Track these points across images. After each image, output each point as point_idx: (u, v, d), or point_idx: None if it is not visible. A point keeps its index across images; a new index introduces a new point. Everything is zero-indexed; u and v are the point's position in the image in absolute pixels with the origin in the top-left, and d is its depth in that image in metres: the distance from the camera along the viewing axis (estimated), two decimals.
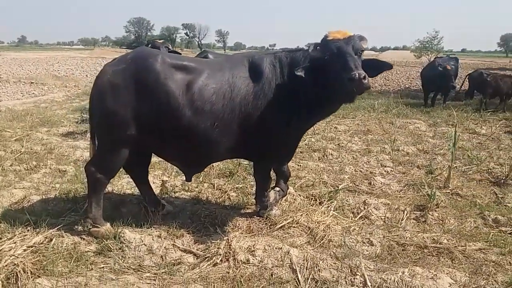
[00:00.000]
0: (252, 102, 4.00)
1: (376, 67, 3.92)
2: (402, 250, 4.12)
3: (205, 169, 4.98)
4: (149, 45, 8.47)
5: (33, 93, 16.02)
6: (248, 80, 4.04)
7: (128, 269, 3.67)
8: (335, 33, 3.77)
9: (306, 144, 7.88)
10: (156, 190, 5.11)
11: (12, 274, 3.35)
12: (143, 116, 3.84)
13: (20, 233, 4.09)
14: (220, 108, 3.93)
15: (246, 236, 4.16)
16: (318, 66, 3.75)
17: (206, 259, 3.80)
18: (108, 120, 3.91)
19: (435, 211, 4.98)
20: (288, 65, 4.07)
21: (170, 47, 8.57)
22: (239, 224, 4.51)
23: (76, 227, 4.36)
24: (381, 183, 5.95)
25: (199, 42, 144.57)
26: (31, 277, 3.36)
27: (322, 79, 3.76)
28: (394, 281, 3.46)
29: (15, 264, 3.44)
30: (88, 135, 8.55)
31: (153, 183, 5.40)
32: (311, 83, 3.84)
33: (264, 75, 4.04)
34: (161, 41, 9.35)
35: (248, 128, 4.05)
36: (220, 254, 3.81)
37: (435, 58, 14.98)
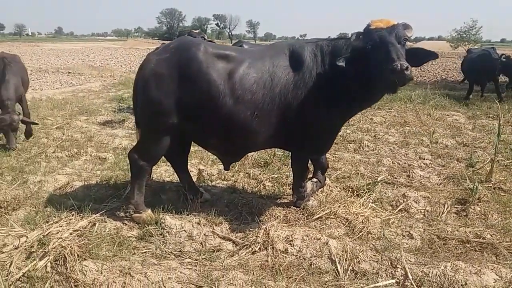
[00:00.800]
0: (292, 91, 3.97)
1: (421, 56, 3.81)
2: (444, 244, 4.02)
3: (241, 159, 5.01)
4: (186, 35, 8.53)
5: (71, 83, 16.50)
6: (289, 69, 4.02)
7: (169, 254, 3.76)
8: (378, 22, 3.68)
9: (341, 135, 7.78)
10: (193, 179, 5.17)
11: (60, 256, 3.48)
12: (186, 104, 3.88)
13: (65, 217, 4.26)
14: (260, 97, 3.93)
15: (283, 226, 4.17)
16: (360, 56, 3.68)
17: (245, 247, 3.84)
18: (151, 108, 3.98)
19: (477, 205, 4.82)
20: (329, 54, 4.02)
21: (206, 37, 8.62)
22: (276, 214, 4.52)
23: (118, 212, 4.49)
24: (420, 176, 5.82)
25: (230, 33, 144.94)
26: (78, 259, 3.48)
27: (364, 69, 3.69)
28: (436, 275, 3.39)
29: (62, 247, 3.57)
30: (126, 123, 8.84)
31: (190, 171, 5.46)
32: (353, 73, 3.78)
33: (305, 64, 4.00)
34: (197, 31, 9.43)
35: (288, 118, 4.03)
36: (258, 243, 3.84)
37: (468, 50, 14.20)
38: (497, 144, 5.73)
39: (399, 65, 3.28)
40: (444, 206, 4.80)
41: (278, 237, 3.87)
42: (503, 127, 7.03)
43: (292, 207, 4.69)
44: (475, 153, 6.81)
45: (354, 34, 3.85)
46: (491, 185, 5.46)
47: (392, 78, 3.39)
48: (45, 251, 3.56)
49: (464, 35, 47.47)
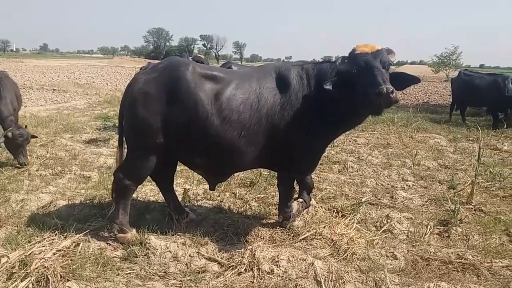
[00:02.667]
0: (279, 112, 4.05)
1: (404, 80, 3.93)
2: (427, 264, 4.09)
3: (227, 179, 5.02)
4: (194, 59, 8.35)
5: (56, 100, 16.38)
6: (275, 91, 4.10)
7: (154, 275, 3.73)
8: (363, 47, 3.80)
9: (325, 156, 7.87)
10: (179, 198, 5.16)
11: (43, 277, 3.43)
12: (173, 124, 3.91)
13: (48, 237, 4.20)
14: (247, 118, 3.99)
15: (269, 247, 4.18)
16: (346, 79, 3.79)
17: (231, 267, 3.83)
18: (138, 127, 3.99)
19: (459, 226, 4.92)
20: (315, 77, 4.12)
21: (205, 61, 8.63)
22: (261, 234, 4.53)
23: (102, 232, 4.45)
24: (403, 197, 5.92)
25: (216, 53, 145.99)
26: (61, 280, 3.43)
27: (350, 92, 3.79)
28: None
29: (45, 267, 3.52)
30: (111, 142, 8.79)
31: (176, 191, 5.44)
32: (339, 96, 3.88)
33: (291, 87, 4.09)
34: (201, 55, 9.47)
35: (274, 139, 4.09)
36: (244, 264, 3.84)
37: (460, 72, 14.13)
38: (478, 166, 5.88)
39: (385, 88, 3.38)
40: (427, 227, 4.88)
41: (264, 258, 3.88)
42: (483, 150, 7.20)
43: (278, 227, 4.71)
44: (456, 175, 6.95)
45: (339, 58, 3.97)
46: (472, 206, 5.57)
47: (378, 101, 3.49)
48: (27, 272, 3.49)
49: (445, 60, 48.65)
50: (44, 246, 3.98)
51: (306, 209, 5.09)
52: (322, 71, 4.14)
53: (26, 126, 7.16)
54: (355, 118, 4.20)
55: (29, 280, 3.40)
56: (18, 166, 6.73)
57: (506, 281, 3.77)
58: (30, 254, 3.78)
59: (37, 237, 4.21)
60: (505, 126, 11.55)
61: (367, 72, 3.62)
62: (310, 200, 5.14)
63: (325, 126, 4.15)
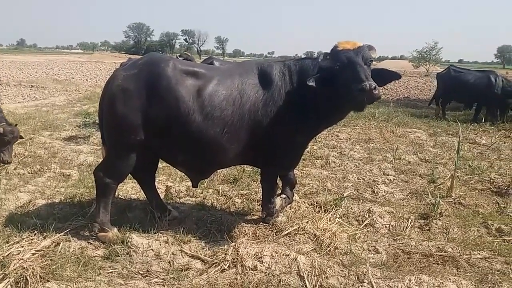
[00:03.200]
0: (262, 109, 4.04)
1: (385, 76, 3.97)
2: (408, 258, 4.15)
3: (210, 176, 5.00)
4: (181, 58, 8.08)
5: (34, 97, 16.03)
6: (258, 87, 4.09)
7: (136, 274, 3.69)
8: (345, 44, 3.82)
9: (308, 152, 7.91)
10: (161, 196, 5.12)
11: (22, 278, 3.36)
12: (154, 121, 3.87)
13: (27, 237, 4.11)
14: (230, 114, 3.97)
15: (252, 243, 4.17)
16: (328, 76, 3.80)
17: (214, 265, 3.82)
18: (118, 125, 3.93)
19: (439, 219, 5.01)
20: (297, 73, 4.12)
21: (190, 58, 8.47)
22: (245, 231, 4.52)
23: (83, 231, 4.38)
24: (384, 192, 5.99)
25: (198, 49, 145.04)
26: (40, 281, 3.37)
27: (332, 88, 3.80)
28: None
29: (24, 268, 3.45)
30: (91, 139, 8.65)
31: (158, 188, 5.39)
32: (321, 92, 3.89)
33: (273, 83, 4.09)
34: (187, 52, 9.30)
35: (257, 135, 4.09)
36: (227, 260, 3.83)
37: (449, 68, 14.04)
38: (457, 160, 5.99)
39: (367, 84, 3.41)
40: (407, 221, 4.95)
41: (247, 254, 3.88)
42: (462, 144, 7.33)
43: (261, 223, 4.71)
44: (436, 169, 7.07)
45: (321, 55, 3.97)
46: (451, 200, 5.68)
47: (361, 98, 3.51)
48: (5, 273, 3.41)
49: (426, 55, 49.40)
50: (22, 247, 3.90)
51: (289, 205, 5.11)
52: (304, 68, 4.15)
53: (16, 125, 7.01)
54: (337, 114, 4.23)
55: (8, 282, 3.32)
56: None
57: (484, 273, 3.85)
58: (8, 255, 3.69)
59: (16, 237, 4.12)
60: (483, 120, 11.79)
61: (349, 68, 3.64)
62: (293, 195, 5.16)
63: (308, 122, 4.16)
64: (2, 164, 6.61)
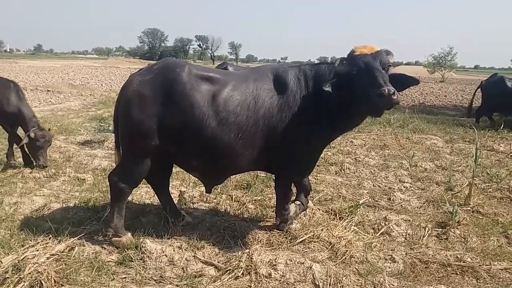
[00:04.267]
0: (277, 114, 4.00)
1: (402, 82, 3.90)
2: (425, 267, 4.05)
3: (223, 182, 4.97)
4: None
5: (50, 101, 16.24)
6: (273, 92, 4.06)
7: (150, 280, 3.67)
8: (362, 48, 3.77)
9: (322, 158, 7.82)
10: (175, 201, 5.10)
11: (36, 282, 3.36)
12: (169, 126, 3.86)
13: (42, 241, 4.12)
14: (244, 119, 3.94)
15: (266, 250, 4.12)
16: (345, 81, 3.75)
17: (228, 272, 3.77)
18: (133, 130, 3.93)
19: (457, 228, 4.89)
20: (313, 78, 4.08)
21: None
22: (259, 237, 4.48)
23: (97, 236, 4.37)
24: (400, 199, 5.89)
25: (212, 54, 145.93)
26: (55, 285, 3.38)
27: (349, 93, 3.75)
28: None
29: (38, 272, 3.45)
30: (106, 144, 8.71)
31: (171, 193, 5.38)
32: (337, 98, 3.84)
33: (289, 88, 4.05)
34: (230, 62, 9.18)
35: (272, 141, 4.05)
36: (241, 267, 3.78)
37: (497, 76, 12.91)
38: (475, 168, 5.86)
39: (386, 90, 3.36)
40: (425, 229, 4.85)
41: (261, 262, 3.83)
42: (480, 151, 7.19)
43: (275, 230, 4.66)
44: (454, 177, 6.93)
45: (337, 60, 3.92)
46: (469, 208, 5.55)
47: (380, 103, 3.46)
48: (20, 277, 3.42)
49: (441, 61, 48.90)
50: (37, 250, 3.91)
51: (304, 212, 5.05)
52: (320, 73, 4.10)
53: (49, 129, 7.11)
54: (353, 119, 4.17)
55: (22, 286, 3.34)
56: (12, 166, 6.65)
57: (505, 284, 3.74)
58: (23, 258, 3.71)
59: (31, 241, 4.13)
60: (501, 127, 11.52)
61: (367, 73, 3.59)
62: (308, 202, 5.10)
63: (323, 128, 4.11)
64: (18, 167, 6.70)
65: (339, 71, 3.83)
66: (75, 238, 4.18)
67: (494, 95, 12.60)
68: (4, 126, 7.12)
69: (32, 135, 6.57)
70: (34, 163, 6.78)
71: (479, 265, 4.03)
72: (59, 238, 4.17)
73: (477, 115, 13.48)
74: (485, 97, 13.18)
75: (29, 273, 3.45)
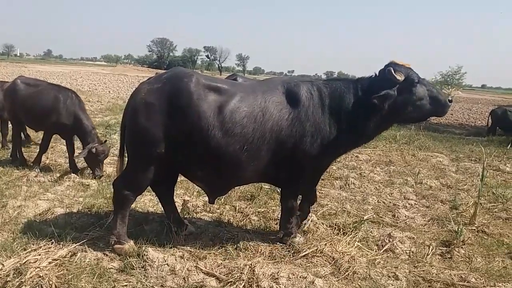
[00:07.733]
0: (286, 129, 4.00)
1: None
2: (429, 286, 4.00)
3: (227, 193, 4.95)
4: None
5: None
6: (282, 105, 4.06)
7: None
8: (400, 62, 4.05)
9: (327, 172, 7.79)
10: (178, 210, 5.09)
11: (37, 287, 3.35)
12: (175, 135, 3.87)
13: (44, 245, 4.12)
14: (251, 131, 3.94)
15: (269, 263, 4.09)
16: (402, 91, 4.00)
17: (229, 283, 3.73)
18: (140, 137, 3.95)
19: (462, 248, 4.84)
20: (329, 95, 4.11)
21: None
22: (261, 250, 4.44)
23: (99, 242, 4.37)
24: (405, 216, 5.85)
25: (220, 65, 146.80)
26: None
27: (392, 105, 3.97)
28: None
29: (40, 277, 3.44)
30: (111, 150, 8.71)
31: (175, 202, 5.38)
32: (365, 113, 4.03)
33: (300, 103, 4.06)
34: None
35: (279, 154, 4.04)
36: (243, 280, 3.74)
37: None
38: (481, 187, 5.81)
39: (450, 97, 3.67)
40: (429, 248, 4.79)
41: (263, 275, 3.79)
42: (486, 171, 7.15)
43: (278, 243, 4.62)
44: (459, 195, 6.88)
45: (372, 75, 4.19)
46: (474, 228, 5.49)
47: (448, 109, 4.04)
48: (21, 281, 3.41)
49: (449, 79, 48.78)
50: (39, 255, 3.89)
51: (306, 225, 5.01)
52: (338, 91, 4.17)
53: (105, 141, 7.20)
54: (373, 134, 4.33)
55: None
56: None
57: None
58: (25, 262, 3.69)
59: (33, 245, 4.14)
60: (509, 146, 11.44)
61: (425, 84, 4.00)
62: (309, 212, 5.05)
63: (337, 145, 4.13)
64: (23, 171, 6.73)
65: (380, 85, 3.98)
66: (77, 244, 4.18)
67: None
68: (61, 135, 7.22)
69: (93, 150, 6.64)
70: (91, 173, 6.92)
71: (484, 286, 3.97)
72: (61, 243, 4.17)
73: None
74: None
75: (31, 277, 3.44)
